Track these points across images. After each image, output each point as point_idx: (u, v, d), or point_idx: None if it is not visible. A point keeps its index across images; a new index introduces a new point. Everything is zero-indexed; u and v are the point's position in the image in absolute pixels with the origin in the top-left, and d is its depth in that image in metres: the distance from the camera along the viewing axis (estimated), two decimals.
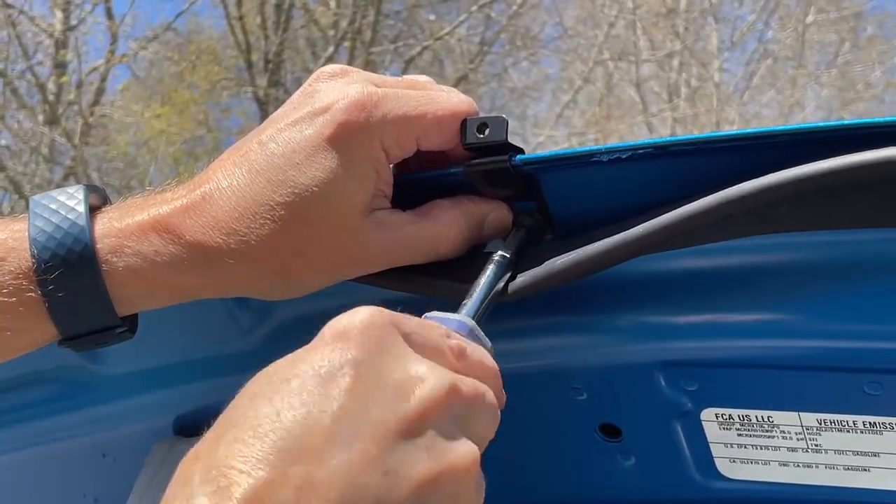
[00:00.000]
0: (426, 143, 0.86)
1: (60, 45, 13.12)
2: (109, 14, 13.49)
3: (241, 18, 13.40)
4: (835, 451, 0.91)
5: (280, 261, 0.83)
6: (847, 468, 0.91)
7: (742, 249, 0.84)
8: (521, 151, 0.88)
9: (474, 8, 13.14)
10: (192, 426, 1.17)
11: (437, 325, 0.72)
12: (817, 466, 0.92)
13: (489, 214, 0.89)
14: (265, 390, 0.62)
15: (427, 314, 0.76)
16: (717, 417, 0.94)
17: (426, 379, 0.63)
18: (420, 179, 0.91)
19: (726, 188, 0.77)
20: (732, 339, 0.89)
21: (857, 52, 14.74)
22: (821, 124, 0.77)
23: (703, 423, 0.94)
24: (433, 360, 0.66)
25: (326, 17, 13.24)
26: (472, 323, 0.77)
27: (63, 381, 1.20)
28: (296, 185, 0.80)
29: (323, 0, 13.16)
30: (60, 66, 13.29)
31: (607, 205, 0.86)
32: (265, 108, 12.34)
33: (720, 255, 0.85)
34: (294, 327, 1.06)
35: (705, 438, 0.95)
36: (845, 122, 0.76)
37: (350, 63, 12.70)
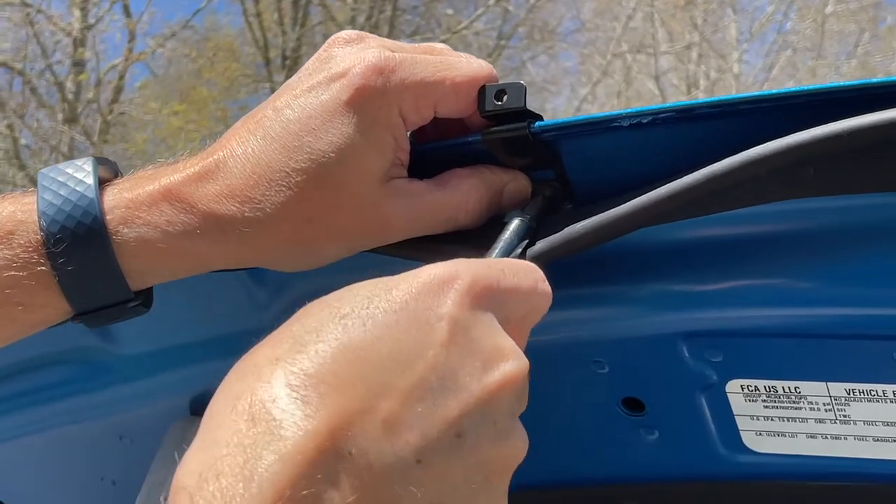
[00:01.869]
0: (444, 110, 0.85)
1: (79, 43, 13.16)
2: (127, 12, 13.54)
3: (258, 15, 13.41)
4: (864, 421, 0.89)
5: (295, 229, 0.81)
6: (877, 439, 0.89)
7: (767, 215, 0.82)
8: (540, 118, 0.86)
9: (492, 2, 13.13)
10: (200, 406, 1.16)
11: (523, 301, 0.71)
12: (846, 438, 0.90)
13: (508, 183, 0.88)
14: (359, 312, 0.60)
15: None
16: (742, 389, 0.92)
17: (509, 357, 0.64)
18: (437, 148, 0.89)
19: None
20: (758, 307, 0.87)
21: (876, 43, 14.67)
22: (852, 83, 0.74)
23: (729, 395, 0.92)
24: (514, 339, 0.67)
25: (344, 13, 13.24)
26: None
27: (79, 363, 1.19)
28: (312, 152, 0.79)
29: None
30: (79, 65, 13.33)
31: (628, 172, 0.84)
32: None
33: (744, 221, 0.83)
34: (307, 302, 1.03)
35: (731, 411, 0.93)
36: (877, 79, 0.74)
37: None
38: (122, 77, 13.77)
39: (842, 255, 0.83)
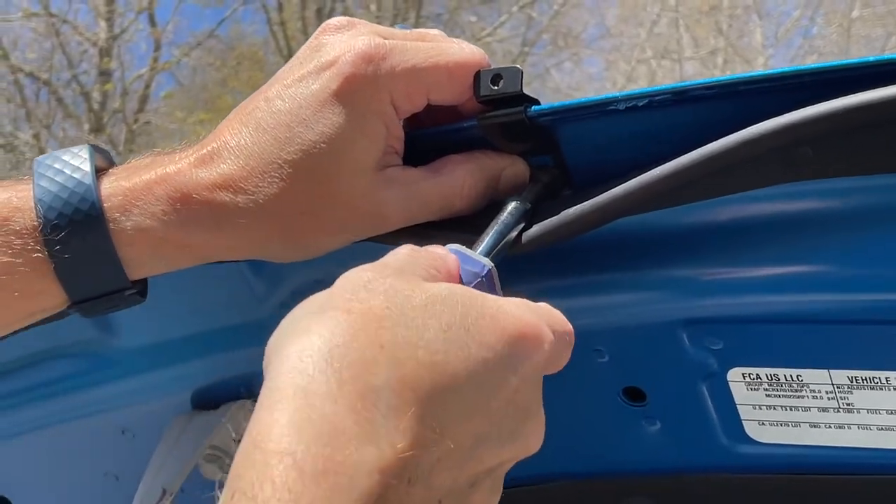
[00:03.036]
0: (437, 97, 0.84)
1: (104, 53, 13.24)
2: (153, 22, 13.60)
3: (282, 24, 13.46)
4: (867, 410, 0.87)
5: (289, 221, 0.81)
6: (881, 428, 0.87)
7: (765, 199, 0.81)
8: (537, 102, 0.85)
9: (515, 8, 13.11)
10: (210, 400, 1.16)
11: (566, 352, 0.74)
12: (850, 427, 0.89)
13: (505, 169, 0.87)
14: (460, 339, 0.60)
15: (450, 246, 0.73)
16: (744, 377, 0.90)
17: (539, 428, 0.68)
18: (433, 134, 0.89)
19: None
20: (757, 293, 0.86)
21: None
22: (852, 61, 0.73)
23: (730, 383, 0.91)
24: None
25: (368, 20, 13.25)
26: (492, 266, 0.75)
27: (80, 357, 1.18)
28: (303, 142, 0.79)
29: (363, 3, 13.23)
30: (105, 75, 13.41)
31: (626, 156, 0.83)
32: None
33: (742, 206, 0.82)
34: (308, 294, 1.02)
35: (733, 400, 0.92)
36: (875, 57, 0.72)
37: None
38: (147, 86, 13.85)
39: (843, 238, 0.81)
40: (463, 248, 0.74)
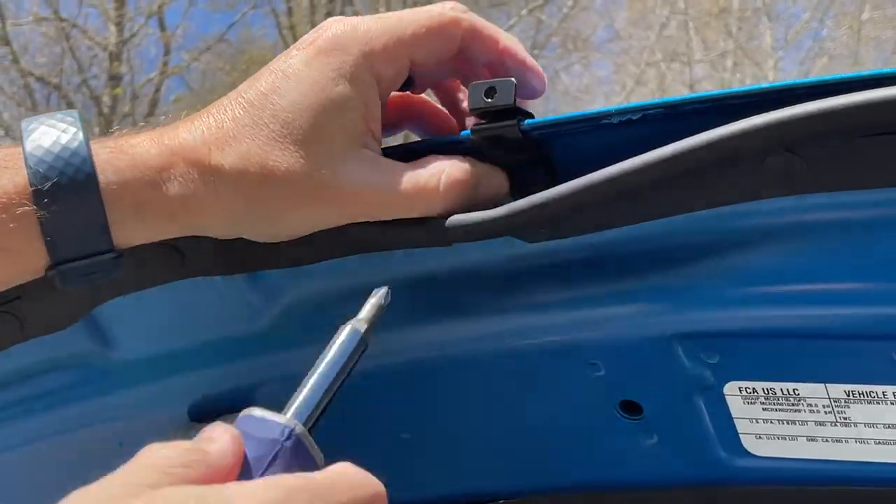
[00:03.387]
0: (419, 55, 0.84)
1: (114, 57, 13.27)
2: (162, 26, 13.62)
3: (291, 28, 13.47)
4: (864, 424, 0.87)
5: (255, 187, 0.81)
6: (878, 442, 0.87)
7: (760, 213, 0.80)
8: (531, 116, 0.85)
9: (524, 12, 13.11)
10: (207, 412, 1.15)
11: None
12: (847, 441, 0.88)
13: (484, 177, 0.85)
14: None
15: (246, 412, 0.67)
16: (740, 391, 0.90)
17: None
18: (427, 145, 0.89)
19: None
20: (753, 307, 0.86)
21: None
22: (849, 75, 0.73)
23: (727, 397, 0.91)
24: None
25: None
26: (302, 429, 0.65)
27: (78, 369, 1.17)
28: (276, 109, 0.80)
29: (372, 6, 13.22)
30: (115, 79, 13.45)
31: None
32: None
33: (738, 219, 0.82)
34: (303, 307, 1.03)
35: (729, 414, 0.92)
36: (880, 70, 0.72)
37: None
38: (157, 91, 13.89)
39: (837, 252, 0.81)
40: (260, 412, 0.65)
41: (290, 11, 13.50)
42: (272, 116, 0.79)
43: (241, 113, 0.81)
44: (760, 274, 0.84)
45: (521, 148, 0.85)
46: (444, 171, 0.84)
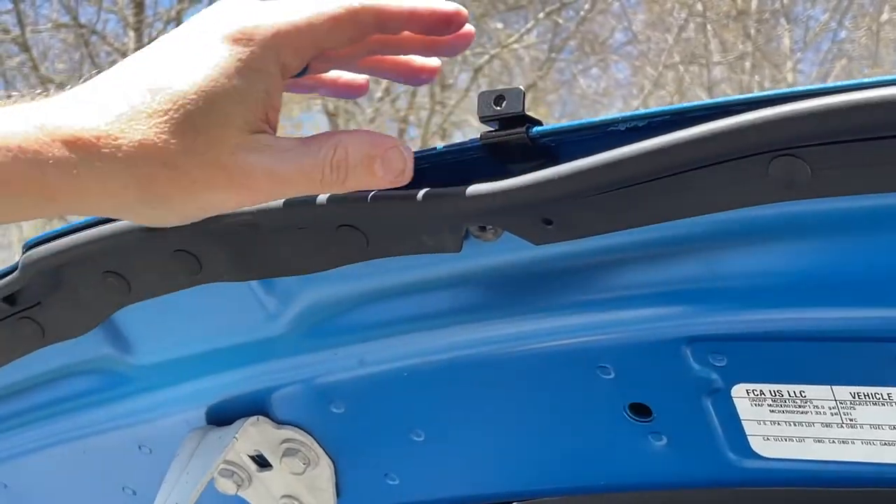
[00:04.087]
0: (328, 44, 0.81)
1: None
2: None
3: None
4: (871, 425, 0.88)
5: (149, 171, 0.76)
6: (884, 443, 0.88)
7: (765, 218, 0.82)
8: (539, 123, 0.86)
9: (541, 15, 13.07)
10: (224, 415, 1.17)
11: None
12: (853, 442, 0.89)
13: (387, 150, 0.82)
14: None
15: None
16: (748, 393, 0.91)
17: None
18: (436, 154, 0.89)
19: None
20: (760, 311, 0.87)
21: None
22: (861, 81, 0.73)
23: (735, 399, 0.92)
24: None
25: None
26: None
27: (98, 374, 1.20)
28: (174, 93, 0.76)
29: None
30: None
31: None
32: (335, 120, 12.42)
33: (744, 225, 0.83)
34: (317, 312, 1.05)
35: (737, 416, 0.93)
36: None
37: None
38: None
39: (842, 256, 0.82)
40: None
41: None
42: (170, 101, 0.75)
43: (135, 95, 0.76)
44: (766, 276, 0.85)
45: (530, 155, 0.85)
46: (340, 147, 0.81)
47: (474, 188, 0.84)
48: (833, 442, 0.90)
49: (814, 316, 0.85)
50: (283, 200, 0.90)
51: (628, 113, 0.83)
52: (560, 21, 13.54)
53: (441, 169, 0.88)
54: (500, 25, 13.52)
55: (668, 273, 0.88)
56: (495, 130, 0.85)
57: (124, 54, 13.27)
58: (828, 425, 0.89)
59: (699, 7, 14.21)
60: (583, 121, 0.85)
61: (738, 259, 0.86)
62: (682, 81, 14.75)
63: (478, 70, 12.75)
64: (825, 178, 0.74)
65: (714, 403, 0.93)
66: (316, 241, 0.93)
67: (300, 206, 0.90)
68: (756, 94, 0.78)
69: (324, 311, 1.05)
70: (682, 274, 0.88)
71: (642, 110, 0.82)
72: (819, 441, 0.91)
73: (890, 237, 0.80)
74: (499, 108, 0.85)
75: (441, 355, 1.02)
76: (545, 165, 0.85)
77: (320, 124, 13.75)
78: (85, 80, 0.81)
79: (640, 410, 0.98)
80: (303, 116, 14.33)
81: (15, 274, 1.03)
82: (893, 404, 0.86)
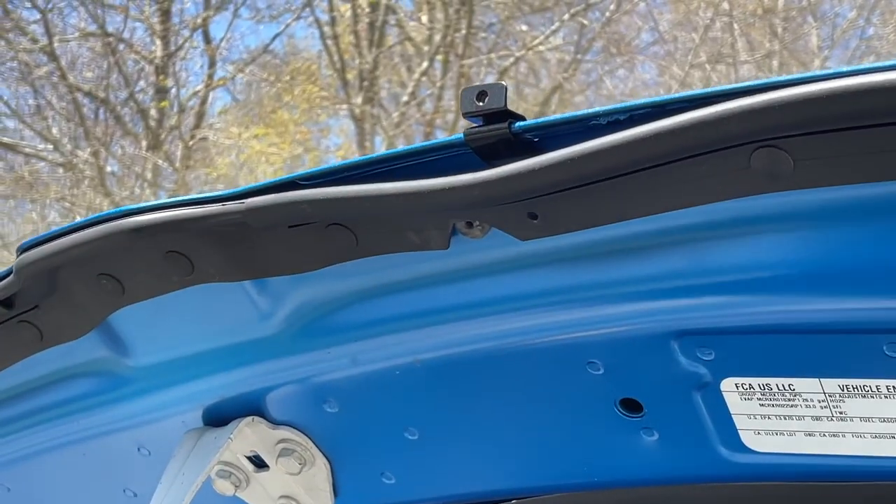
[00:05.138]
0: None
1: (160, 71, 13.35)
2: (207, 39, 13.70)
3: (335, 38, 13.48)
4: (861, 418, 0.87)
5: None
6: (875, 436, 0.87)
7: (751, 211, 0.81)
8: (522, 118, 0.86)
9: (567, 16, 13.05)
10: (220, 416, 1.18)
11: None
12: (844, 435, 0.89)
13: None
14: None
15: None
16: (737, 387, 0.91)
17: None
18: (420, 152, 0.89)
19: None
20: (747, 304, 0.86)
21: None
22: (844, 69, 0.72)
23: (724, 393, 0.91)
24: None
25: (420, 33, 13.30)
26: None
27: (97, 376, 1.20)
28: None
29: (415, 16, 13.22)
30: (161, 92, 13.51)
31: None
32: (361, 125, 12.45)
33: (729, 218, 0.82)
34: (309, 311, 1.05)
35: (727, 410, 0.92)
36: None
37: (443, 76, 12.89)
38: (203, 103, 13.94)
39: (826, 247, 0.81)
40: None
41: (333, 21, 13.54)
42: None
43: None
44: (752, 270, 0.85)
45: (514, 150, 0.85)
46: None
47: (454, 179, 0.84)
48: (823, 435, 0.89)
49: (801, 308, 0.85)
50: (272, 199, 0.91)
51: (609, 106, 0.83)
52: (586, 22, 13.50)
53: (427, 167, 0.88)
54: (525, 28, 13.52)
55: (653, 268, 0.88)
56: (479, 126, 0.85)
57: (151, 62, 13.38)
58: (818, 419, 0.89)
59: (725, 6, 14.15)
60: (565, 115, 0.85)
61: (725, 252, 0.85)
62: (710, 81, 14.68)
63: (503, 72, 12.75)
64: (809, 169, 0.74)
65: (704, 398, 0.92)
66: (306, 239, 0.93)
67: (289, 205, 0.90)
68: (740, 84, 0.78)
69: (316, 310, 1.05)
70: (667, 268, 0.87)
71: (623, 103, 0.82)
72: (810, 435, 0.90)
73: (875, 228, 0.79)
74: (481, 103, 0.85)
75: (432, 353, 1.02)
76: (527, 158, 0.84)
77: (346, 129, 13.83)
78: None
79: (631, 406, 0.97)
80: (329, 121, 14.39)
81: (10, 278, 1.03)
82: (883, 396, 0.85)
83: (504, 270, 0.93)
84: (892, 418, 0.86)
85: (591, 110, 0.84)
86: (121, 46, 13.38)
